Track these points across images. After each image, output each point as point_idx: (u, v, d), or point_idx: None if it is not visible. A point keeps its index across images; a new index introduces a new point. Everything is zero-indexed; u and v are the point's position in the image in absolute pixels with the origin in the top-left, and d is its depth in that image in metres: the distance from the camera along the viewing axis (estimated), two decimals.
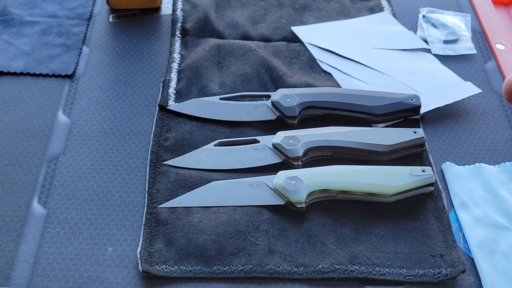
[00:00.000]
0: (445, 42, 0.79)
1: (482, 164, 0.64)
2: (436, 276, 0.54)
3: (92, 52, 0.76)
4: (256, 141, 0.64)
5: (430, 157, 0.65)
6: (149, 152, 0.64)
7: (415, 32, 0.81)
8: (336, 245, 0.56)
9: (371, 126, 0.67)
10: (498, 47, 0.79)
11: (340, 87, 0.71)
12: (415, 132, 0.64)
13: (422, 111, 0.68)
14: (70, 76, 0.72)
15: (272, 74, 0.72)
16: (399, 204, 0.60)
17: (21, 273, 0.54)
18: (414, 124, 0.68)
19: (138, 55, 0.76)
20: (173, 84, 0.71)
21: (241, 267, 0.54)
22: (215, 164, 0.63)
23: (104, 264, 0.55)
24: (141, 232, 0.57)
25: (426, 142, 0.64)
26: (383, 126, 0.67)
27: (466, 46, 0.78)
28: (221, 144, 0.64)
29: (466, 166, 0.64)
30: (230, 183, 0.61)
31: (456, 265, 0.55)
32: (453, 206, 0.61)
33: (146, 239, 0.56)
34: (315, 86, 0.70)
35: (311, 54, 0.76)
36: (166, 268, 0.54)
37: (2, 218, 0.58)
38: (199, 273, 0.54)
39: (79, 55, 0.75)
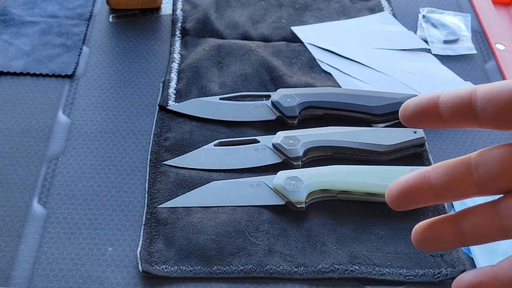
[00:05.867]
0: (445, 42, 0.79)
1: None
2: (436, 276, 0.54)
3: (92, 52, 0.76)
4: (256, 141, 0.64)
5: (430, 157, 0.65)
6: (149, 152, 0.64)
7: (415, 32, 0.81)
8: (336, 245, 0.56)
9: (371, 126, 0.67)
10: (498, 47, 0.79)
11: (340, 87, 0.71)
12: (415, 132, 0.64)
13: None
14: (70, 76, 0.72)
15: (272, 74, 0.72)
16: None
17: (21, 273, 0.54)
18: None
19: (138, 55, 0.76)
20: (173, 84, 0.71)
21: (241, 267, 0.54)
22: (215, 164, 0.63)
23: (104, 264, 0.55)
24: (141, 232, 0.57)
25: (426, 142, 0.64)
26: (383, 126, 0.67)
27: (466, 46, 0.79)
28: (221, 144, 0.64)
29: None
30: (230, 183, 0.61)
31: (456, 265, 0.55)
32: (453, 206, 0.61)
33: (146, 239, 0.56)
34: (315, 86, 0.70)
35: (311, 54, 0.76)
36: (166, 268, 0.54)
37: (2, 218, 0.58)
38: (199, 273, 0.54)
39: (79, 55, 0.75)
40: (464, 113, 0.30)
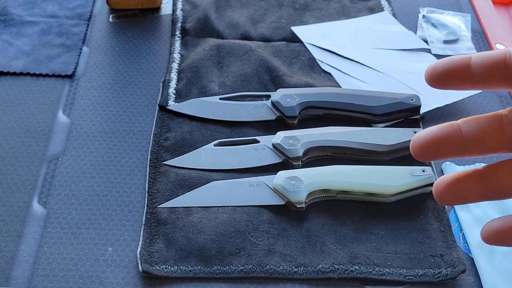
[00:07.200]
0: (445, 42, 0.79)
1: (482, 164, 0.64)
2: (436, 276, 0.54)
3: (92, 52, 0.76)
4: (256, 141, 0.64)
5: None
6: (149, 152, 0.64)
7: (415, 32, 0.81)
8: (336, 245, 0.56)
9: (371, 126, 0.67)
10: (498, 47, 0.79)
11: (340, 87, 0.71)
12: (415, 132, 0.64)
13: (422, 111, 0.68)
14: (70, 76, 0.72)
15: (272, 74, 0.72)
16: (399, 204, 0.60)
17: (21, 273, 0.54)
18: (414, 124, 0.68)
19: (138, 55, 0.76)
20: (173, 84, 0.71)
21: (241, 267, 0.54)
22: (215, 164, 0.63)
23: (104, 264, 0.55)
24: (141, 232, 0.57)
25: None
26: (383, 126, 0.67)
27: (466, 46, 0.78)
28: (221, 144, 0.64)
29: (466, 166, 0.64)
30: (230, 183, 0.61)
31: (456, 265, 0.55)
32: (453, 206, 0.61)
33: (146, 239, 0.56)
34: (315, 86, 0.70)
35: (311, 54, 0.76)
36: (166, 268, 0.54)
37: (2, 218, 0.58)
38: (199, 273, 0.54)
39: (79, 55, 0.75)
40: (498, 72, 0.30)
